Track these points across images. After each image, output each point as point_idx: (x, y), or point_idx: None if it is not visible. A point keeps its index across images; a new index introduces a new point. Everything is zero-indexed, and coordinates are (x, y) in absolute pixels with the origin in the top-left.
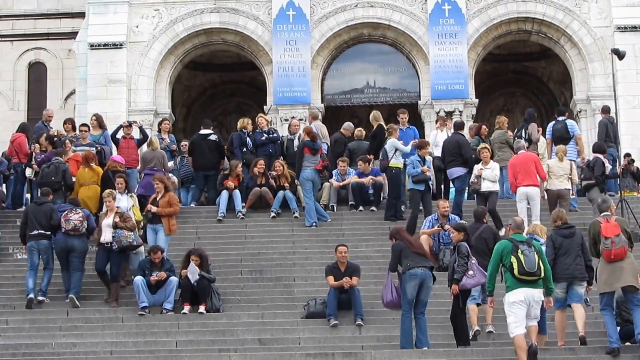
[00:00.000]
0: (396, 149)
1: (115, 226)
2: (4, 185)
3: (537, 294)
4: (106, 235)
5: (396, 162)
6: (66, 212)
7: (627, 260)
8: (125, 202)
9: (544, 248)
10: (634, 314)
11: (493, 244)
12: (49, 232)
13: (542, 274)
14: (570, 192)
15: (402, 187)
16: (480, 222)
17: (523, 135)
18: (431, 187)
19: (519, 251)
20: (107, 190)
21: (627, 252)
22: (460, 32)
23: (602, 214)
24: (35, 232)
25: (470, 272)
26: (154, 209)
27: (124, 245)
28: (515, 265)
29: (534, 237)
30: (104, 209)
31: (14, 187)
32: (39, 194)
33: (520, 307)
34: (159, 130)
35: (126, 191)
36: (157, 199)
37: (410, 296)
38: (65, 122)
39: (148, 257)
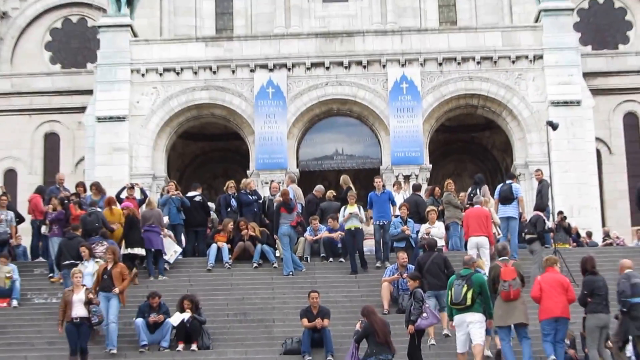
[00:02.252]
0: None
1: (89, 302)
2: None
3: (468, 317)
4: (77, 311)
5: (349, 224)
6: (93, 244)
7: (520, 300)
8: (91, 268)
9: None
10: (523, 346)
11: (444, 267)
12: (79, 262)
13: (468, 303)
14: (495, 236)
15: (358, 244)
16: (432, 251)
17: (479, 194)
18: (412, 243)
19: (453, 285)
20: (76, 269)
21: (520, 294)
22: (416, 107)
23: (500, 258)
24: (67, 262)
25: (425, 315)
26: (116, 290)
27: (103, 320)
28: (448, 298)
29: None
30: (70, 285)
31: (32, 241)
32: (70, 230)
33: (458, 331)
34: (168, 191)
35: (92, 257)
36: (109, 268)
37: None
38: (77, 186)
39: (147, 302)
